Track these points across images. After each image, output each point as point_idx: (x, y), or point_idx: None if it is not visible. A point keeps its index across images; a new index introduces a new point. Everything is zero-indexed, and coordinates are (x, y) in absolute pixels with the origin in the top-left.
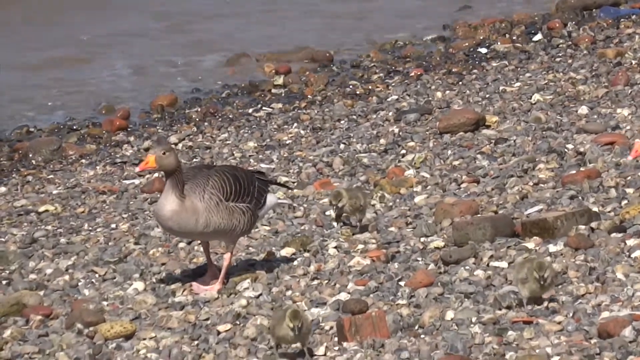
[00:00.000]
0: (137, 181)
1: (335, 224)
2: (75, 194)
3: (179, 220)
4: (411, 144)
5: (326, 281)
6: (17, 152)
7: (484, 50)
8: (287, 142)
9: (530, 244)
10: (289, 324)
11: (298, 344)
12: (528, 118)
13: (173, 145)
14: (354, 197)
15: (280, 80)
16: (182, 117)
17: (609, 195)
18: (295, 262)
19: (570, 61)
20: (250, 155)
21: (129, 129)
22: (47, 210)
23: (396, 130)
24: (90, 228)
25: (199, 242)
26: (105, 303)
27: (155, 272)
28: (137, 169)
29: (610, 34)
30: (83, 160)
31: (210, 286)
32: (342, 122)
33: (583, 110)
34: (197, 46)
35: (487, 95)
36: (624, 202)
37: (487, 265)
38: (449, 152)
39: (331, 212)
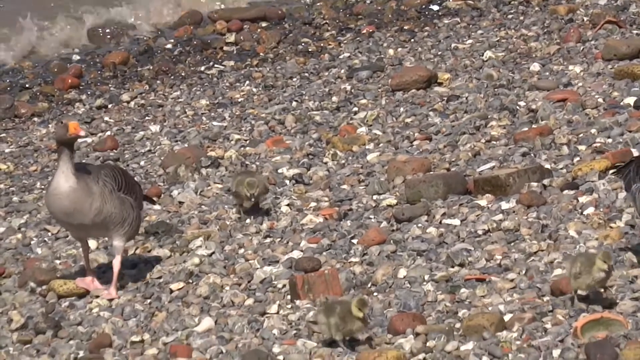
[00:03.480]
0: (89, 139)
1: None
2: (27, 153)
3: (75, 199)
4: (363, 101)
5: (279, 239)
6: None
7: (436, 8)
8: (240, 100)
9: (482, 201)
10: (358, 313)
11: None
12: (480, 75)
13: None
14: (252, 184)
15: (232, 38)
16: (135, 75)
17: (561, 152)
18: (248, 220)
19: (522, 18)
20: (202, 113)
21: (81, 87)
22: None
23: (348, 88)
24: (42, 186)
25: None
26: (57, 262)
27: None
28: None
29: None
30: (35, 119)
31: (106, 292)
32: (294, 79)
33: (535, 67)
34: (149, 3)
35: (439, 53)
36: (576, 159)
37: (440, 222)
38: (401, 109)
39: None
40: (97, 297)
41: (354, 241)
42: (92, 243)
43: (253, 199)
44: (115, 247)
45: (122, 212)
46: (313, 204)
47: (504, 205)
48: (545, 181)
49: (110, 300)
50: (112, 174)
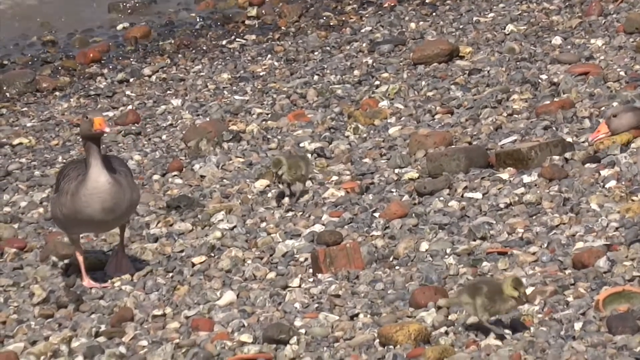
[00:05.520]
0: (110, 113)
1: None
2: (49, 127)
3: (114, 194)
4: (385, 75)
5: (300, 213)
6: None
7: None
8: (261, 73)
9: (504, 175)
10: (513, 292)
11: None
12: (502, 49)
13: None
14: (295, 166)
15: (253, 11)
16: (156, 49)
17: (583, 125)
18: (270, 194)
19: None
20: (224, 87)
21: (102, 62)
22: (21, 143)
23: (370, 62)
24: (64, 161)
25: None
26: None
27: None
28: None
29: None
30: (57, 93)
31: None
32: (315, 53)
33: (557, 40)
34: None
35: (461, 26)
36: None
37: (462, 196)
38: (423, 83)
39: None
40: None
41: (376, 215)
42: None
43: (279, 181)
44: (123, 233)
45: (138, 197)
46: (335, 178)
47: (526, 178)
48: (567, 154)
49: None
50: (120, 161)
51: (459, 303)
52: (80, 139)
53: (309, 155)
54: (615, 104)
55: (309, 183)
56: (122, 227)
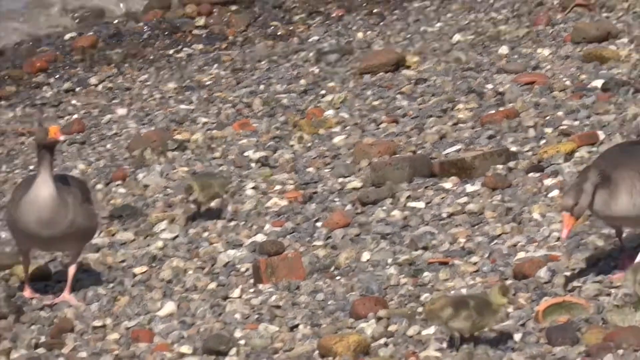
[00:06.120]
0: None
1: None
2: None
3: (55, 211)
4: (331, 84)
5: (243, 222)
6: None
7: None
8: (207, 83)
9: (447, 184)
10: (503, 300)
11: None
12: (448, 58)
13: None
14: (207, 186)
15: (201, 21)
16: (103, 58)
17: (528, 134)
18: (212, 203)
19: (491, 1)
20: (169, 97)
21: (49, 71)
22: None
23: (316, 71)
24: (8, 169)
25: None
26: None
27: None
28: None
29: None
30: (2, 102)
31: (63, 296)
32: (262, 63)
33: (504, 50)
34: None
35: (408, 36)
36: (542, 141)
37: (404, 205)
38: (369, 92)
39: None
40: (60, 282)
41: (318, 224)
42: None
43: (196, 205)
44: (72, 256)
45: (90, 224)
46: (278, 187)
47: (469, 188)
48: (511, 164)
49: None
50: (80, 184)
51: (439, 318)
52: (35, 148)
53: (253, 165)
54: (560, 113)
55: (251, 192)
56: (72, 259)
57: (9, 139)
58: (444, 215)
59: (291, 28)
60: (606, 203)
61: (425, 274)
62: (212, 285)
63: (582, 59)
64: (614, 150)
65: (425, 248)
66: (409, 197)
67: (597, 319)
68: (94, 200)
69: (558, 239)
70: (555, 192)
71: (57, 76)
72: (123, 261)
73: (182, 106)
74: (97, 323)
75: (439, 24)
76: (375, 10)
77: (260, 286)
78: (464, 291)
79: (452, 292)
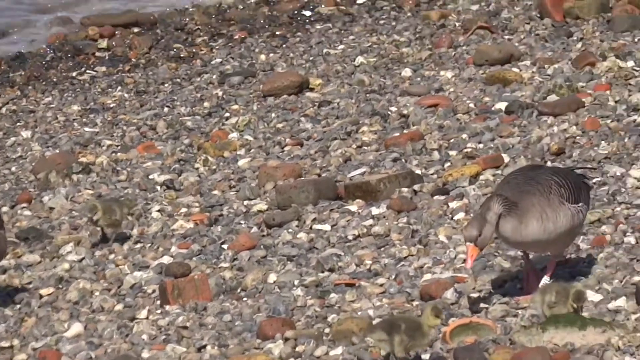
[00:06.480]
0: None
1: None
2: None
3: None
4: (235, 107)
5: (149, 244)
6: None
7: (308, 13)
8: (111, 105)
9: (353, 207)
10: (435, 322)
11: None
12: (352, 81)
13: None
14: (109, 211)
15: (104, 43)
16: (6, 81)
17: (432, 157)
18: (121, 224)
19: (394, 24)
20: (74, 119)
21: None
22: None
23: (220, 94)
24: None
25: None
26: None
27: None
28: None
29: None
30: None
31: None
32: (166, 85)
33: (407, 72)
34: (20, 9)
35: (311, 58)
36: (447, 164)
37: (310, 228)
38: (273, 115)
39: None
40: None
41: (225, 246)
42: None
43: (95, 225)
44: None
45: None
46: (184, 210)
47: (375, 210)
48: (416, 186)
49: None
50: None
51: (373, 340)
52: None
53: (158, 187)
54: (464, 136)
55: (157, 215)
56: None
57: None
58: (350, 237)
59: (194, 50)
60: (516, 229)
61: (332, 295)
62: (119, 307)
63: (485, 81)
64: (517, 176)
65: (331, 270)
66: (314, 219)
67: (505, 340)
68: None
69: (464, 261)
70: (460, 215)
71: None
72: (29, 283)
73: (87, 129)
74: (5, 344)
75: (341, 46)
76: (277, 33)
77: (167, 307)
78: (371, 312)
79: (359, 313)
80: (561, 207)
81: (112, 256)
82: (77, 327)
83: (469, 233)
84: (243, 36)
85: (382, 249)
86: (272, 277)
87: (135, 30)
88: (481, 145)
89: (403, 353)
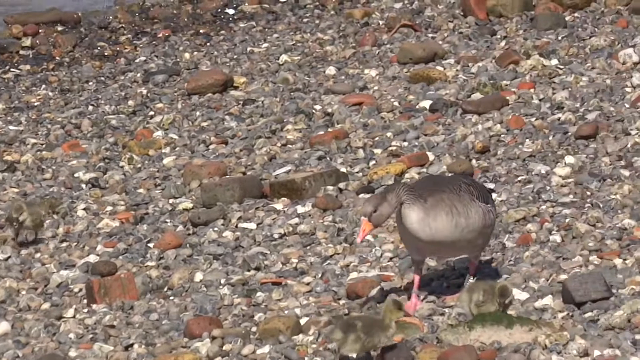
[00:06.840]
0: None
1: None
2: None
3: None
4: (159, 105)
5: (75, 243)
6: None
7: (231, 11)
8: (36, 104)
9: (278, 205)
10: (398, 314)
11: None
12: (276, 79)
13: None
14: (35, 213)
15: (28, 42)
16: None
17: (357, 155)
18: (44, 225)
19: (317, 22)
20: None
21: None
22: None
23: (144, 92)
24: None
25: None
26: None
27: None
28: None
29: None
30: None
31: None
32: (90, 83)
33: (331, 71)
34: None
35: (235, 57)
36: (372, 162)
37: (236, 226)
38: (197, 113)
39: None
40: None
41: (150, 245)
42: None
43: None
44: None
45: None
46: (109, 208)
47: (300, 209)
48: (341, 185)
49: None
50: None
51: (331, 340)
52: None
53: (83, 186)
54: (388, 134)
55: (82, 213)
56: None
57: None
58: (276, 235)
59: (118, 49)
60: (423, 221)
61: (259, 294)
62: (46, 306)
63: (409, 79)
64: (426, 179)
65: (257, 268)
66: (240, 218)
67: (432, 338)
68: None
69: (390, 259)
70: None
71: None
72: None
73: (11, 127)
74: None
75: (265, 45)
76: (201, 31)
77: (94, 306)
78: (297, 311)
79: (286, 311)
80: (472, 203)
81: (38, 255)
82: (3, 326)
83: (364, 208)
84: (167, 34)
85: (308, 247)
86: (198, 276)
87: (59, 28)
88: (406, 144)
89: (356, 352)
